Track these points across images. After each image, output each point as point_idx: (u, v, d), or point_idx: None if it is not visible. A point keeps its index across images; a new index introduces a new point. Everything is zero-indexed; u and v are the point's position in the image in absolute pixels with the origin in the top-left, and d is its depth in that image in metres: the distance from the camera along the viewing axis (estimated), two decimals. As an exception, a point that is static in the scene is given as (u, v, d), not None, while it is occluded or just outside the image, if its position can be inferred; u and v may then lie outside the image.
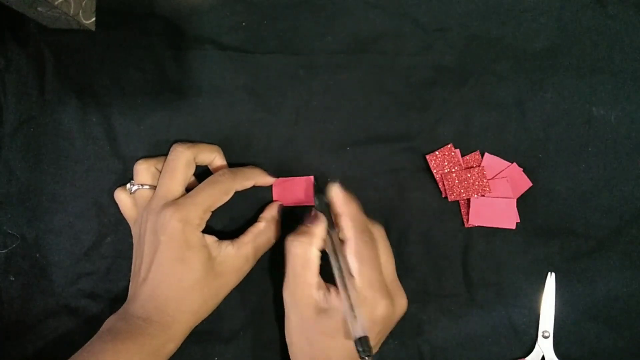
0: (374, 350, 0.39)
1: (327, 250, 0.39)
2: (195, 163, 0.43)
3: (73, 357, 0.36)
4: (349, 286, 0.36)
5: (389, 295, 0.38)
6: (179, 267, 0.39)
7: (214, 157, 0.44)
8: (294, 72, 0.46)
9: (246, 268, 0.43)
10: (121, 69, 0.46)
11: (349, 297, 0.36)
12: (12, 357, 0.46)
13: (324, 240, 0.39)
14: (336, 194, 0.40)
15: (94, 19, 0.45)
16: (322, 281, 0.39)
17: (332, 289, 0.39)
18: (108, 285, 0.46)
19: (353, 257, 0.38)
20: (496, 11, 0.47)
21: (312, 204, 0.46)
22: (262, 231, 0.43)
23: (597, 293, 0.46)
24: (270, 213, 0.45)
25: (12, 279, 0.46)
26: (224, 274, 0.41)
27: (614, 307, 0.46)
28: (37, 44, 0.46)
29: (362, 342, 0.34)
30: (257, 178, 0.44)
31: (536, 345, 0.46)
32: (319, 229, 0.39)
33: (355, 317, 0.35)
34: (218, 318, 0.46)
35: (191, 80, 0.46)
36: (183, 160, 0.42)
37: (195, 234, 0.40)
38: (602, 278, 0.46)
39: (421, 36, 0.46)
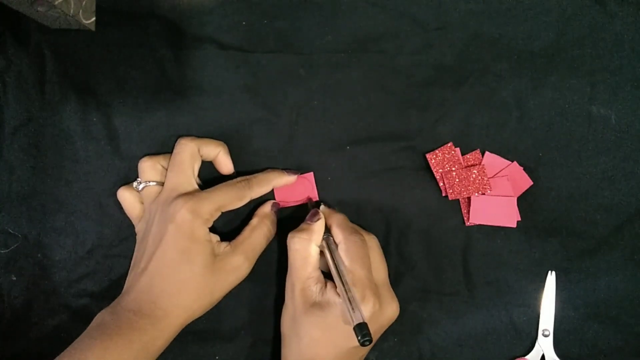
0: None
1: (323, 251, 0.41)
2: (200, 156, 0.44)
3: (61, 354, 0.36)
4: (346, 279, 0.38)
5: (377, 294, 0.39)
6: (180, 258, 0.39)
7: (218, 152, 0.45)
8: (294, 72, 0.46)
9: (244, 268, 0.43)
10: (121, 69, 0.46)
11: (345, 285, 0.38)
12: (13, 356, 0.46)
13: (323, 241, 0.42)
14: (323, 209, 0.44)
15: (94, 19, 0.45)
16: (321, 276, 0.41)
17: (330, 285, 0.40)
18: (109, 285, 0.46)
19: (344, 255, 0.40)
20: (496, 11, 0.46)
21: (314, 200, 0.46)
22: (256, 227, 0.44)
23: (597, 292, 0.46)
24: (263, 210, 0.45)
25: (14, 278, 0.46)
26: (221, 273, 0.41)
27: (614, 306, 0.46)
28: (37, 44, 0.46)
29: (361, 328, 0.35)
30: (273, 183, 0.45)
31: (536, 344, 0.46)
32: (317, 225, 0.42)
33: (353, 306, 0.36)
34: (219, 317, 0.46)
35: (191, 79, 0.46)
36: (188, 152, 0.43)
37: (202, 228, 0.40)
38: (602, 277, 0.46)
39: (421, 35, 0.46)
